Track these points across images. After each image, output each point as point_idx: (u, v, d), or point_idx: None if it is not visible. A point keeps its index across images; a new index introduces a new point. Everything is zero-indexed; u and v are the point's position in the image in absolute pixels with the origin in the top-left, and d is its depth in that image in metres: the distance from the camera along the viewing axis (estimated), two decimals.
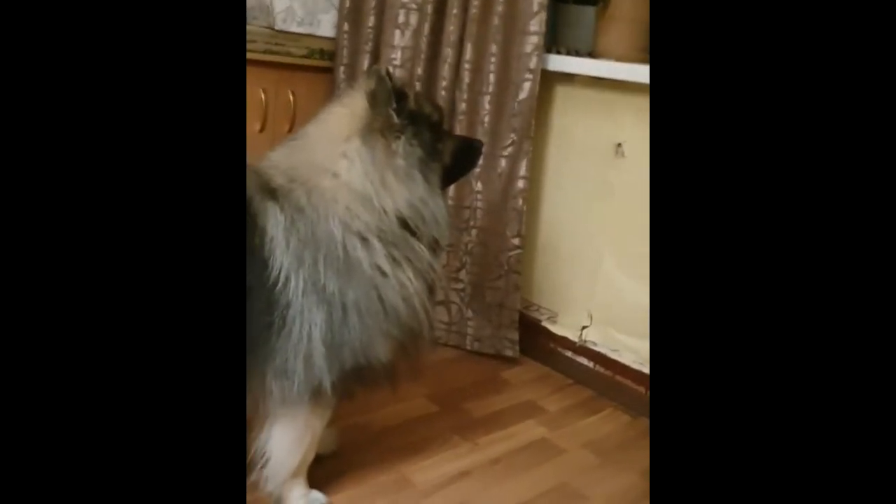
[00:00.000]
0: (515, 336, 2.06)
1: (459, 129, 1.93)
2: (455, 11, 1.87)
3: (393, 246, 1.18)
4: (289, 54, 2.11)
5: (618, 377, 1.90)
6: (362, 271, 1.14)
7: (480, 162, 1.93)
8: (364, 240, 1.15)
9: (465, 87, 1.90)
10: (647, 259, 1.83)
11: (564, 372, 2.02)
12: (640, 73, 1.71)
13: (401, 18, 2.01)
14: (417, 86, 1.99)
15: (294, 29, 2.16)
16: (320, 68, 2.21)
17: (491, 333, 2.07)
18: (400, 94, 1.18)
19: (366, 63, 2.12)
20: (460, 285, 2.07)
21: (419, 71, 1.98)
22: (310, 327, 1.11)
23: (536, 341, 2.08)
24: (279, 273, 1.10)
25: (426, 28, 1.95)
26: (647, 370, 1.83)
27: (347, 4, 2.16)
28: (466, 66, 1.89)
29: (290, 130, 2.15)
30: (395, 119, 1.17)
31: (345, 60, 2.20)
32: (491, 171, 1.95)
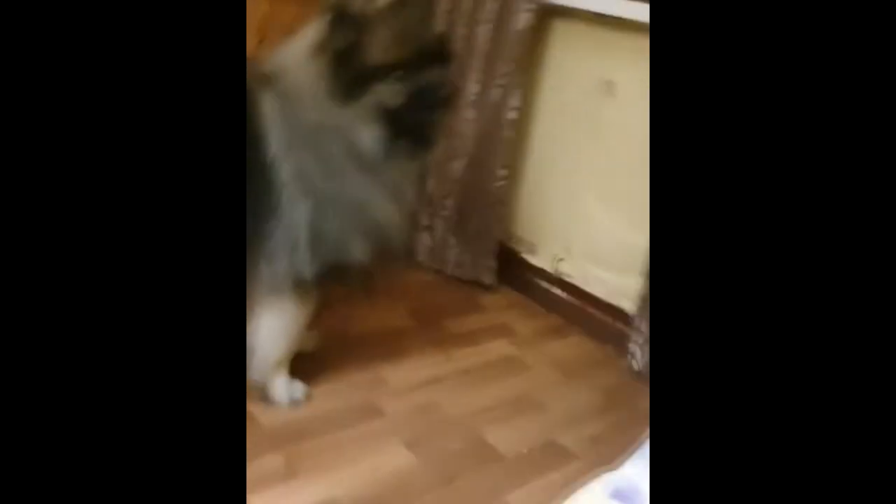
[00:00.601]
0: (494, 264, 2.14)
1: (457, 57, 1.96)
2: None
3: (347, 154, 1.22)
4: None
5: (588, 307, 2.00)
6: (338, 168, 1.21)
7: (476, 90, 1.98)
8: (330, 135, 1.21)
9: (463, 12, 1.92)
10: (627, 197, 1.91)
11: (538, 300, 2.11)
12: (637, 10, 1.75)
13: None
14: None
15: None
16: None
17: (471, 260, 2.14)
18: (348, 30, 1.17)
19: None
20: (445, 212, 2.14)
21: None
22: (297, 213, 1.20)
23: (514, 270, 2.17)
24: (273, 153, 1.17)
25: None
26: (615, 302, 1.93)
27: None
28: None
29: None
30: (331, 45, 1.18)
31: None
32: (484, 100, 2.00)
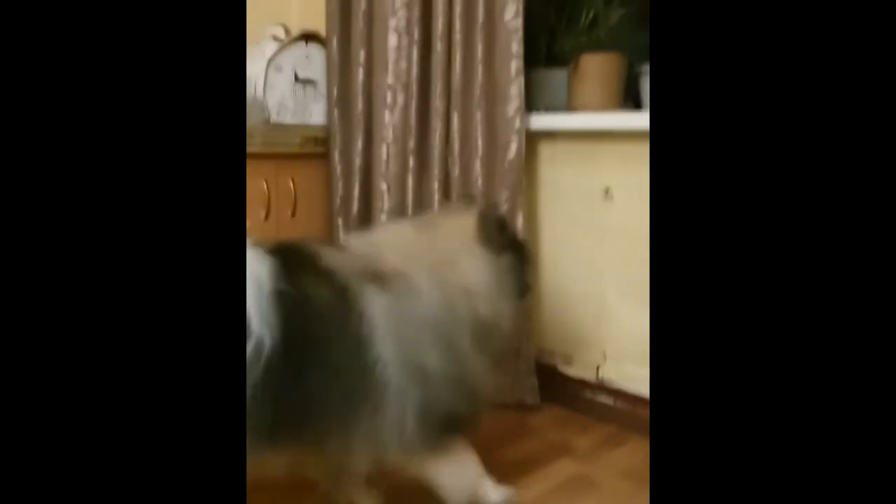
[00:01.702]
0: (534, 383, 2.12)
1: (454, 193, 2.06)
2: (439, 87, 2.03)
3: (482, 339, 1.34)
4: (285, 144, 2.26)
5: (638, 409, 1.96)
6: (458, 353, 1.29)
7: None
8: (465, 327, 1.31)
9: (456, 154, 2.04)
10: (648, 290, 1.94)
11: (586, 411, 2.08)
12: (615, 121, 1.87)
13: (388, 99, 2.17)
14: (411, 159, 2.12)
15: (288, 120, 2.31)
16: (316, 155, 2.36)
17: (511, 383, 2.13)
18: (502, 223, 1.48)
19: (359, 144, 2.27)
20: None
21: (411, 144, 2.12)
22: (406, 404, 1.24)
23: (556, 386, 2.15)
24: (379, 353, 1.21)
25: (413, 105, 2.10)
26: None
27: (336, 92, 2.33)
28: (455, 135, 2.03)
29: (293, 215, 2.28)
30: (500, 240, 1.42)
31: (339, 145, 2.34)
32: None
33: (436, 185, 2.07)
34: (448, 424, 1.31)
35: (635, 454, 1.83)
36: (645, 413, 1.94)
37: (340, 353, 1.19)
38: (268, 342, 1.10)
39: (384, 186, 2.21)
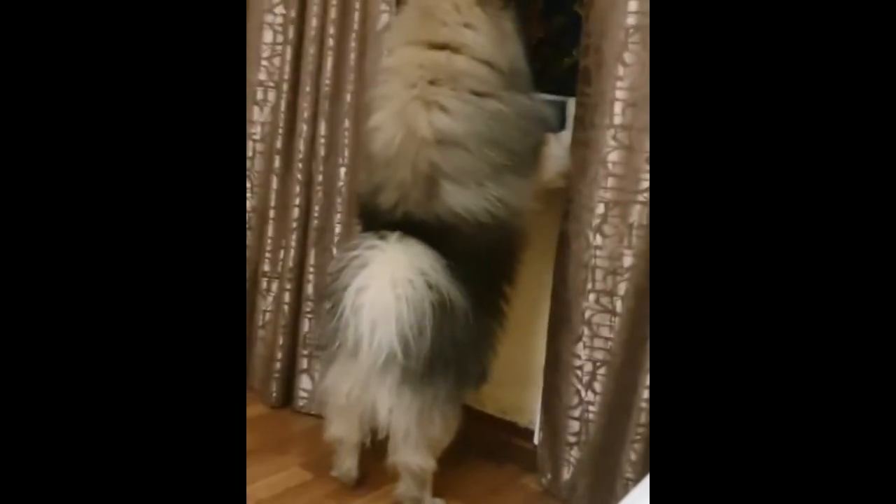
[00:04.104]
0: None
1: (317, 199, 2.00)
2: (308, 89, 1.97)
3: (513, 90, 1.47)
4: None
5: (482, 428, 1.98)
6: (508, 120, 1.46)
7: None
8: (497, 97, 1.44)
9: (320, 159, 1.99)
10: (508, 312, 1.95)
11: None
12: None
13: (259, 95, 2.09)
14: (277, 159, 2.05)
15: None
16: None
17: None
18: None
19: None
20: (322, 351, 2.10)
21: (278, 145, 2.05)
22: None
23: None
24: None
25: (283, 105, 2.04)
26: (507, 418, 1.94)
27: None
28: (322, 140, 1.98)
29: None
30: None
31: None
32: (350, 239, 2.03)
33: (298, 189, 2.01)
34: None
35: (473, 473, 1.85)
36: (487, 431, 1.96)
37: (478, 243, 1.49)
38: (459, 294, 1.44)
39: (247, 184, 2.13)
